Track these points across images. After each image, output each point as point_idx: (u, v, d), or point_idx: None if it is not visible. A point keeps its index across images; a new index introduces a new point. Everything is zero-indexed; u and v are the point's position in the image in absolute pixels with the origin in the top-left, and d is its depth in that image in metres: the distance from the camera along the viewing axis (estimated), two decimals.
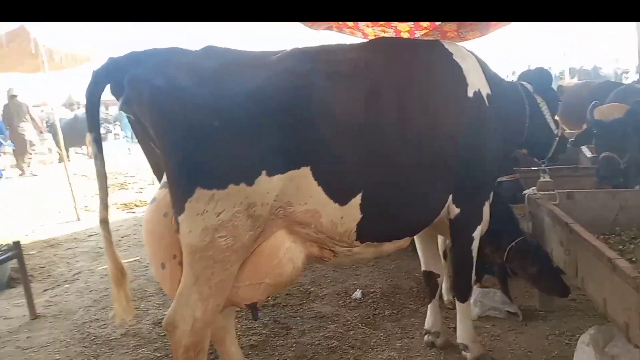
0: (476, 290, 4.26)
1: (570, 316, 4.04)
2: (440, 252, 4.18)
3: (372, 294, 4.75)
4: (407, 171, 2.90)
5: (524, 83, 3.88)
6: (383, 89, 2.83)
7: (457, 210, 3.27)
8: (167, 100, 2.41)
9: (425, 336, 3.77)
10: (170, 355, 3.83)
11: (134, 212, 9.39)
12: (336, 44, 3.11)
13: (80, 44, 11.48)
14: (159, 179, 2.91)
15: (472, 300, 4.14)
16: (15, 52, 9.87)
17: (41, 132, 16.01)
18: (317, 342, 3.92)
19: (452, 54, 3.28)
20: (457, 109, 3.12)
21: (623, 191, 4.26)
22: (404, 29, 8.96)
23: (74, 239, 7.90)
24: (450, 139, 3.06)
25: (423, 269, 3.79)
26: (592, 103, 5.13)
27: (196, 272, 2.52)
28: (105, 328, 4.43)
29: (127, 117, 2.78)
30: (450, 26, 8.64)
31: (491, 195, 3.63)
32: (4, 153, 15.34)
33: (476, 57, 3.46)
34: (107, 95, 2.65)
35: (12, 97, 14.11)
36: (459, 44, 8.39)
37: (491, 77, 3.44)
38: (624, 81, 11.72)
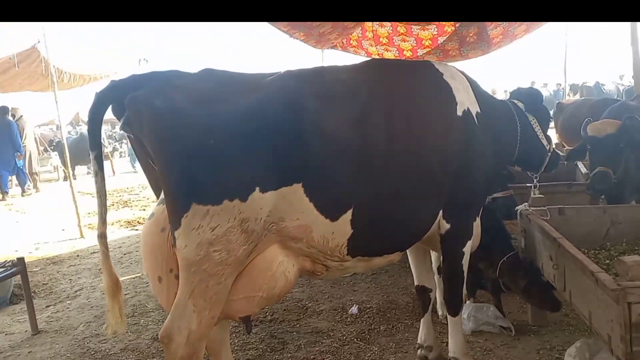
0: (470, 305, 4.33)
1: (562, 331, 4.09)
2: (434, 268, 4.26)
3: (368, 310, 4.81)
4: (397, 188, 2.99)
5: (515, 101, 3.99)
6: (374, 109, 2.94)
7: (447, 226, 3.36)
8: (165, 120, 2.53)
9: (418, 350, 3.83)
10: None
11: (137, 230, 9.50)
12: (329, 65, 3.24)
13: (88, 65, 11.78)
14: (158, 196, 3.02)
15: (465, 315, 4.22)
16: (26, 72, 10.14)
17: (46, 150, 16.23)
18: (312, 357, 3.99)
19: (442, 74, 3.40)
20: (447, 127, 3.23)
21: (614, 207, 4.35)
22: (406, 48, 9.14)
23: (77, 255, 8.01)
24: (440, 157, 3.15)
25: (416, 283, 3.87)
26: (586, 120, 5.24)
27: (192, 285, 2.61)
28: (105, 343, 4.51)
29: (128, 136, 2.90)
30: (452, 45, 8.81)
31: (481, 211, 3.72)
32: None
33: (466, 76, 3.58)
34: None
35: (19, 118, 14.39)
36: (461, 62, 8.59)
37: (481, 96, 3.56)
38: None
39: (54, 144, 19.03)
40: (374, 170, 2.90)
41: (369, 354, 3.97)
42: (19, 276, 5.05)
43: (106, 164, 18.49)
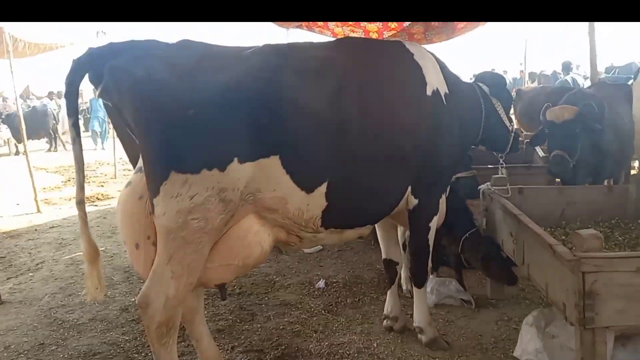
0: (433, 280, 4.51)
1: (518, 304, 4.32)
2: (400, 244, 4.41)
3: (334, 284, 4.94)
4: (369, 163, 3.10)
5: (480, 84, 4.14)
6: (348, 86, 3.02)
7: (415, 201, 3.49)
8: (145, 90, 2.54)
9: (384, 321, 3.99)
10: (138, 339, 3.95)
11: (96, 206, 9.34)
12: (305, 42, 3.29)
13: (43, 34, 11.36)
14: (134, 166, 3.02)
15: (429, 289, 4.40)
16: None
17: None
18: (281, 327, 4.09)
19: (413, 54, 3.50)
20: (416, 106, 3.34)
21: (570, 188, 4.59)
22: (372, 30, 9.21)
23: (35, 230, 7.83)
24: (410, 134, 3.27)
25: (383, 257, 4.01)
26: (545, 105, 5.46)
27: (170, 252, 2.65)
28: (73, 313, 4.49)
29: (105, 104, 2.89)
30: (418, 28, 8.95)
31: (447, 189, 3.88)
32: None
33: (436, 58, 3.69)
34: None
35: None
36: (424, 46, 8.70)
37: (449, 78, 3.68)
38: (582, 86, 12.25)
39: (3, 116, 18.31)
40: (348, 146, 2.99)
41: (336, 325, 4.10)
42: None
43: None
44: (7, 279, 5.52)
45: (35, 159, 13.42)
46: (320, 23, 9.11)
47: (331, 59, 3.12)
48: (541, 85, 14.05)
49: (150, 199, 2.64)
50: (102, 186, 11.34)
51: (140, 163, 2.80)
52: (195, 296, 3.15)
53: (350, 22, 8.62)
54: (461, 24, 8.25)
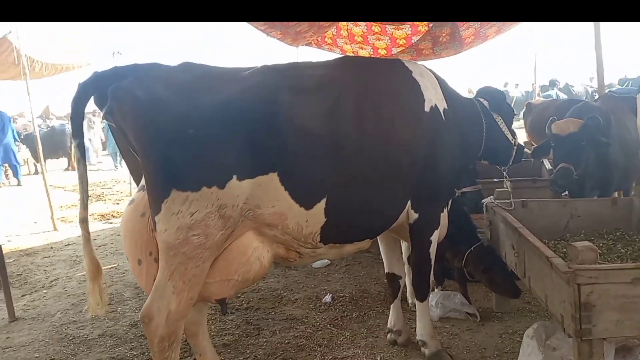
0: (438, 293, 4.54)
1: (524, 317, 4.32)
2: (404, 257, 4.44)
3: (341, 298, 4.98)
4: (368, 179, 3.16)
5: (480, 99, 4.19)
6: (345, 103, 3.10)
7: (415, 216, 3.53)
8: (147, 110, 2.64)
9: (388, 334, 4.02)
10: (146, 354, 4.02)
11: (111, 223, 9.50)
12: (304, 61, 3.38)
13: (61, 54, 11.68)
14: (138, 184, 3.12)
15: (433, 302, 4.42)
16: None
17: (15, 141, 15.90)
18: (286, 341, 4.13)
19: (411, 72, 3.58)
20: (415, 122, 3.40)
21: (573, 200, 4.58)
22: (380, 47, 9.33)
23: (51, 248, 8.00)
24: (408, 150, 3.33)
25: (386, 271, 4.05)
26: (550, 118, 5.49)
27: (171, 268, 2.73)
28: (84, 329, 4.59)
29: (109, 125, 3.00)
30: (426, 44, 9.03)
31: (449, 202, 3.92)
32: None
33: (435, 74, 3.76)
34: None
35: None
36: (434, 61, 8.80)
37: (449, 93, 3.74)
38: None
39: (22, 136, 18.72)
40: (346, 162, 3.05)
41: (341, 339, 4.13)
42: None
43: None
44: (22, 296, 5.66)
45: (54, 178, 13.72)
46: (329, 41, 9.27)
47: (329, 77, 3.20)
48: (550, 99, 14.02)
49: (152, 216, 2.73)
50: (118, 204, 11.53)
51: (143, 181, 2.90)
52: (198, 311, 3.22)
53: (358, 40, 8.76)
54: (469, 39, 8.33)
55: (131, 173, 3.04)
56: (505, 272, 4.01)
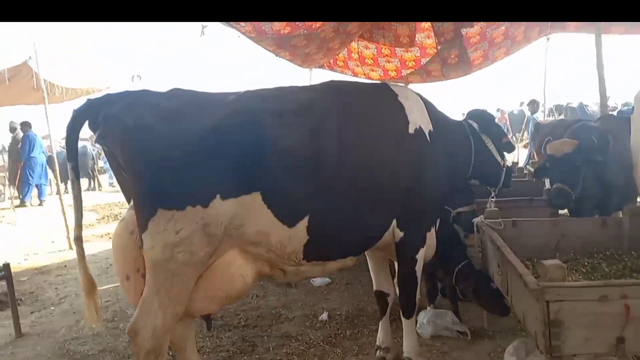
0: (430, 311, 4.60)
1: (515, 335, 4.33)
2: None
3: (337, 316, 5.07)
4: (349, 198, 3.27)
5: (470, 121, 4.29)
6: (327, 125, 3.23)
7: (401, 234, 3.63)
8: (134, 135, 2.82)
9: (377, 352, 4.09)
10: None
11: None
12: (289, 86, 3.53)
13: (80, 79, 12.09)
14: (129, 202, 3.29)
15: (425, 320, 4.49)
16: (17, 87, 10.45)
17: None
18: (279, 358, 4.23)
19: (397, 95, 3.71)
20: (398, 144, 3.52)
21: (564, 220, 4.64)
22: (391, 68, 9.53)
23: (65, 266, 8.23)
24: (391, 171, 3.44)
25: (375, 288, 4.13)
26: (546, 139, 5.56)
27: (157, 284, 2.87)
28: (85, 345, 4.75)
29: (102, 148, 3.18)
30: (435, 66, 9.21)
31: (436, 222, 4.01)
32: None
33: (422, 97, 3.89)
34: None
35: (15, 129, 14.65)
36: (441, 82, 8.93)
37: (435, 116, 3.86)
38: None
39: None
40: (328, 182, 3.18)
41: (332, 356, 4.22)
42: (5, 286, 5.29)
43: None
44: (31, 312, 5.86)
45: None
46: (340, 63, 9.49)
47: (312, 100, 3.34)
48: (559, 118, 14.03)
49: (140, 234, 2.88)
50: None
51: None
52: (185, 326, 3.34)
53: (369, 62, 8.96)
54: (477, 60, 8.46)
55: (124, 193, 3.22)
56: (494, 290, 4.06)
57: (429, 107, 3.87)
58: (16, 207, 13.10)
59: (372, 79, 9.22)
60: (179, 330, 3.27)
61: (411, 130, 3.60)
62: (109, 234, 10.47)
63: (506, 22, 7.22)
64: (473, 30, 7.31)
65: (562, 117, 17.19)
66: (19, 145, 14.00)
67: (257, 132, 3.00)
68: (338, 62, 9.40)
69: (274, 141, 3.03)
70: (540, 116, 12.70)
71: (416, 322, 4.31)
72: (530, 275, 2.96)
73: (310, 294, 5.81)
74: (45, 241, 10.36)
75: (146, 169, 2.83)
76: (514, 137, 18.84)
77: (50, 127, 10.13)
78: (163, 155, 2.82)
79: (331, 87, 3.59)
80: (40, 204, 13.75)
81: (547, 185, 6.32)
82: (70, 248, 9.40)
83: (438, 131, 3.77)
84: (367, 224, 3.44)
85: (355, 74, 9.71)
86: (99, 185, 19.58)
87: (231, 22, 5.35)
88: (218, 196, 2.89)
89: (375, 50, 8.52)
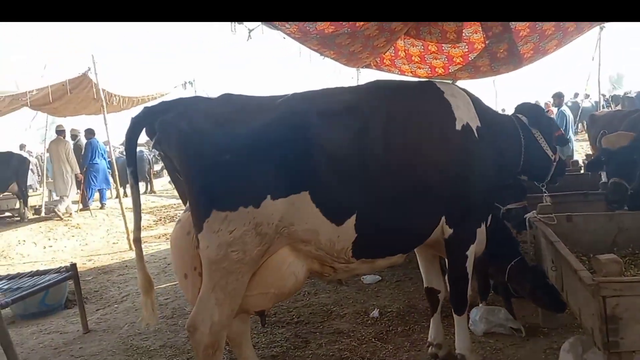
0: (482, 308, 4.56)
1: (571, 332, 4.23)
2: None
3: (388, 313, 5.09)
4: (396, 196, 3.30)
5: (519, 116, 4.23)
6: (373, 124, 3.27)
7: (450, 231, 3.62)
8: (188, 140, 2.95)
9: (429, 348, 4.09)
10: None
11: None
12: (336, 87, 3.60)
13: (136, 88, 12.62)
14: (185, 204, 3.44)
15: (478, 317, 4.45)
16: (79, 97, 11.02)
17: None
18: (331, 354, 4.31)
19: (443, 92, 3.70)
20: (445, 140, 3.51)
21: (620, 214, 4.49)
22: (438, 65, 9.43)
23: (126, 266, 8.64)
24: (439, 168, 3.44)
25: (425, 285, 4.14)
26: (601, 132, 5.39)
27: (213, 282, 3.00)
28: (147, 340, 4.98)
29: (159, 154, 3.35)
30: (483, 61, 9.05)
31: (488, 218, 3.98)
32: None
33: (469, 94, 3.87)
34: None
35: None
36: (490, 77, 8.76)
37: (483, 112, 3.83)
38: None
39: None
40: (375, 180, 3.22)
41: (384, 352, 4.26)
42: (73, 285, 5.61)
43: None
44: (96, 310, 6.20)
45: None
46: (387, 62, 9.46)
47: (358, 100, 3.39)
48: (615, 109, 13.46)
49: (196, 234, 3.02)
50: None
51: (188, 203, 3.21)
52: (241, 322, 3.47)
53: (416, 60, 8.90)
54: (528, 54, 8.24)
55: (180, 196, 3.38)
56: (548, 286, 3.99)
57: (476, 103, 3.84)
58: (80, 210, 13.73)
59: (419, 77, 9.14)
60: (235, 326, 3.40)
61: (458, 127, 3.58)
62: (165, 234, 10.87)
63: None
64: (522, 23, 7.15)
65: (618, 107, 16.51)
66: (82, 152, 14.67)
67: (304, 133, 3.07)
68: (385, 60, 9.36)
69: (322, 141, 3.10)
70: (567, 110, 12.22)
71: (468, 318, 4.28)
72: (585, 271, 2.92)
73: (361, 291, 5.86)
74: (108, 242, 10.87)
75: (200, 172, 2.96)
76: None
77: (109, 134, 10.60)
78: (216, 159, 2.94)
79: (377, 87, 3.63)
80: (101, 207, 14.38)
81: (604, 178, 6.13)
82: (131, 249, 9.84)
83: (486, 127, 3.74)
84: (415, 221, 3.46)
85: (402, 72, 9.64)
86: (152, 188, 20.27)
87: (276, 24, 5.44)
88: (269, 196, 2.98)
89: (422, 47, 8.44)
